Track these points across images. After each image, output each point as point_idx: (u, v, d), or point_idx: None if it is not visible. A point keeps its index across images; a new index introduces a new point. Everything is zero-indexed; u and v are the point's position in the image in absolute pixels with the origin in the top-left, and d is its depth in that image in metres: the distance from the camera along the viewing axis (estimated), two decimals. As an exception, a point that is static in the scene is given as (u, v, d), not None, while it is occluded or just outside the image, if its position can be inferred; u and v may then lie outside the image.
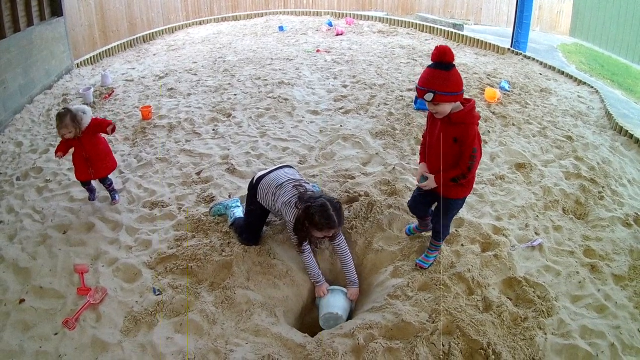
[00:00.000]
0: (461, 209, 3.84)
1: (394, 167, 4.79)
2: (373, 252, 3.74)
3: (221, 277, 3.46)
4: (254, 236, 3.75)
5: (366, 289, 3.56)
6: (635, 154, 5.82)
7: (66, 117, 3.92)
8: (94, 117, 4.18)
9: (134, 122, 6.28)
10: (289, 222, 3.36)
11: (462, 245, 3.70)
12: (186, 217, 4.11)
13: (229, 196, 4.40)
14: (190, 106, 6.77)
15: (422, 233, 3.76)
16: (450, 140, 3.00)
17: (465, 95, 3.04)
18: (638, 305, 3.24)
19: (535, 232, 3.98)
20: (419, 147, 3.71)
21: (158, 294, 3.30)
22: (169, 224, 4.06)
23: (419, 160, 3.42)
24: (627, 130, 6.24)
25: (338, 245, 3.46)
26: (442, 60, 2.85)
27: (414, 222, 3.81)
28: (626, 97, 8.94)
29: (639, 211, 4.40)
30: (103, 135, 4.27)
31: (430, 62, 2.95)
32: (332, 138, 5.60)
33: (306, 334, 3.07)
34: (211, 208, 4.14)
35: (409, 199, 3.65)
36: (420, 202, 3.47)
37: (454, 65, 2.89)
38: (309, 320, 3.51)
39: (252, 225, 3.76)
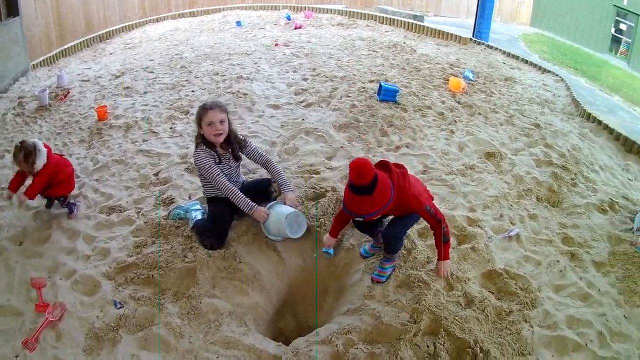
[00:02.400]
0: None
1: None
2: (344, 250, 3.55)
3: (185, 285, 3.19)
4: (219, 236, 3.49)
5: (340, 290, 3.35)
6: (605, 140, 5.85)
7: (20, 154, 3.68)
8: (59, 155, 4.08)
9: (89, 124, 5.96)
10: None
11: (437, 239, 3.55)
12: (145, 221, 3.84)
13: (189, 197, 4.13)
14: (147, 105, 6.46)
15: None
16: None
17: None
18: (621, 291, 3.17)
19: (511, 222, 3.87)
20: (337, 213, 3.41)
21: (120, 307, 3.03)
22: (128, 230, 3.78)
23: (330, 232, 3.34)
24: (595, 117, 6.27)
25: (253, 150, 3.71)
26: (361, 185, 2.64)
27: (366, 239, 3.60)
28: (590, 85, 9.07)
29: (614, 197, 4.37)
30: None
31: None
32: (294, 132, 5.38)
33: (280, 343, 2.86)
34: (170, 212, 3.87)
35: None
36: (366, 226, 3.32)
37: (375, 180, 2.65)
38: (282, 326, 3.30)
39: (217, 223, 3.52)
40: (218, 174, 3.45)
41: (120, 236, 3.72)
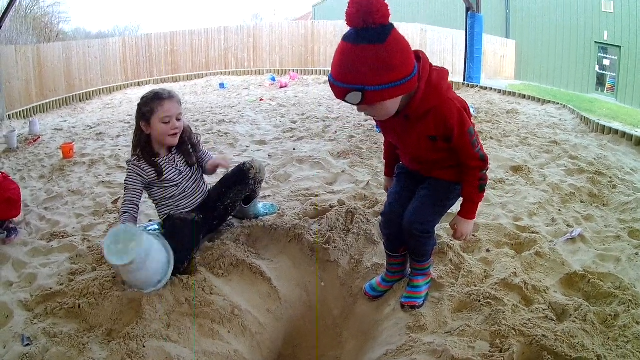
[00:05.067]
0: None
1: (368, 183, 3.86)
2: (363, 274, 2.66)
3: (124, 321, 2.25)
4: (182, 252, 2.54)
5: (368, 327, 2.39)
6: (626, 147, 5.28)
7: None
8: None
9: (53, 162, 5.31)
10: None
11: (487, 250, 2.74)
12: (89, 247, 3.00)
13: (150, 221, 3.26)
14: (117, 145, 5.85)
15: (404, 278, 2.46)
16: (425, 141, 1.92)
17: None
18: None
19: (567, 225, 3.11)
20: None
21: (27, 345, 2.13)
22: (66, 257, 2.93)
23: (384, 172, 2.48)
24: (611, 128, 5.80)
25: (203, 153, 2.94)
26: (367, 22, 1.54)
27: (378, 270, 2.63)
28: (588, 116, 8.64)
29: (657, 194, 3.71)
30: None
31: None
32: (284, 161, 4.65)
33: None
34: None
35: (385, 207, 2.33)
36: (405, 202, 2.19)
37: (392, 27, 1.58)
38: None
39: (177, 238, 2.59)
40: (127, 198, 2.59)
41: (55, 263, 2.87)
